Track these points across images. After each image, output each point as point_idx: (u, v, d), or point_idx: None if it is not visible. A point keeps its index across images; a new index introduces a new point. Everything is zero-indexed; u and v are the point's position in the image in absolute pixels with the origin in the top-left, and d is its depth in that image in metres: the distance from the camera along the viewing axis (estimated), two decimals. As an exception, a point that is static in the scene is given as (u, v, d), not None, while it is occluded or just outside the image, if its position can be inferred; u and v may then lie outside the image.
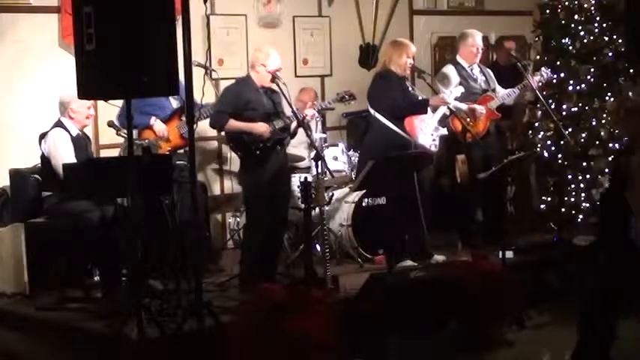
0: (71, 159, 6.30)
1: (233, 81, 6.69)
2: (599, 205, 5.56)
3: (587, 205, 7.83)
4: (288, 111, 6.51)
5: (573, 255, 7.00)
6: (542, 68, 7.67)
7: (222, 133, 6.92)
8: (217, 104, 6.49)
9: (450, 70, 7.61)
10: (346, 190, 7.32)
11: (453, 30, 8.06)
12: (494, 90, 7.66)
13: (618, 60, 7.79)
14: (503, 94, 7.60)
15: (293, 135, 6.69)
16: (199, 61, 6.54)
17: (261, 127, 6.36)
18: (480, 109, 7.39)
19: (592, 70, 7.78)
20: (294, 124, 6.49)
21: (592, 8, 7.83)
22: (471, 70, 7.63)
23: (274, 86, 6.54)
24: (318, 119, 7.81)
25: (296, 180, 6.89)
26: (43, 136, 6.47)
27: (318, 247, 6.72)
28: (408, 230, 6.94)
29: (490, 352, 5.67)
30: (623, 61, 7.80)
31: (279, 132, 6.46)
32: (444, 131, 7.20)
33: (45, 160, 6.44)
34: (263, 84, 6.50)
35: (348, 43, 8.91)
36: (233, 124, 6.39)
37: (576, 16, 7.86)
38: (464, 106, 7.29)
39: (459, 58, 7.67)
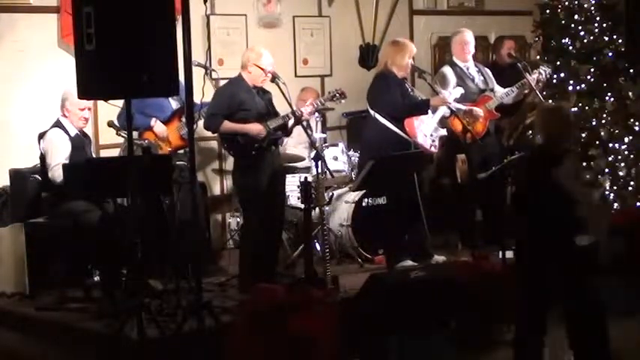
0: (65, 160, 6.30)
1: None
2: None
3: (587, 205, 7.82)
4: (281, 110, 6.51)
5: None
6: (541, 66, 7.67)
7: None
8: (211, 106, 6.47)
9: (447, 70, 7.65)
10: (346, 190, 7.32)
11: (453, 30, 8.06)
12: (492, 90, 7.67)
13: (618, 60, 7.79)
14: (502, 94, 7.62)
15: (289, 134, 6.69)
16: (199, 61, 6.54)
17: (256, 128, 6.36)
18: (477, 110, 7.39)
19: (592, 70, 7.77)
20: (291, 122, 6.49)
21: (592, 8, 7.82)
22: (468, 69, 7.65)
23: (266, 86, 6.54)
24: (318, 119, 7.81)
25: (296, 180, 6.88)
26: (42, 135, 6.48)
27: (318, 246, 6.72)
28: (408, 230, 6.95)
29: (490, 352, 5.67)
30: (623, 61, 7.79)
31: (274, 132, 6.47)
32: (443, 132, 7.21)
33: (44, 159, 6.45)
34: (255, 84, 6.49)
35: (348, 43, 8.90)
36: (228, 125, 6.38)
37: (576, 16, 7.85)
38: (462, 107, 7.30)
39: (454, 59, 7.73)
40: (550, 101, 7.49)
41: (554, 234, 4.77)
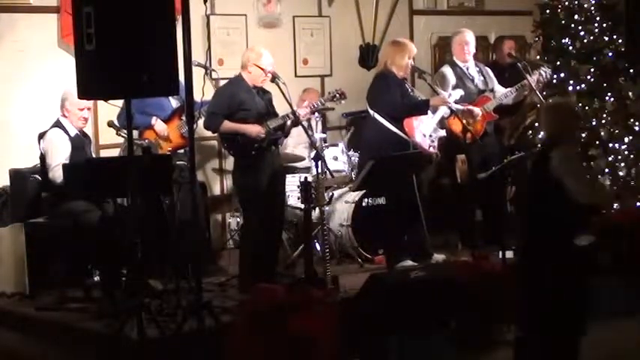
0: (65, 160, 6.30)
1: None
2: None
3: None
4: (280, 110, 6.51)
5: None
6: (541, 66, 7.67)
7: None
8: (211, 106, 6.48)
9: (446, 70, 7.65)
10: (346, 190, 7.32)
11: (453, 30, 8.07)
12: (492, 90, 7.66)
13: (618, 60, 7.79)
14: (501, 95, 7.61)
15: (287, 134, 6.69)
16: (199, 61, 6.54)
17: (255, 128, 6.35)
18: (476, 110, 7.38)
19: (592, 70, 7.77)
20: (289, 122, 6.49)
21: (592, 8, 7.82)
22: (468, 69, 7.65)
23: (266, 86, 6.54)
24: (318, 119, 7.81)
25: (296, 180, 6.88)
26: (42, 135, 6.48)
27: (318, 247, 6.72)
28: (408, 230, 6.94)
29: (490, 352, 5.67)
30: (623, 61, 7.79)
31: (274, 132, 6.47)
32: (442, 132, 7.21)
33: (44, 159, 6.45)
34: (255, 84, 6.49)
35: (348, 43, 8.90)
36: (227, 125, 6.38)
37: (576, 16, 7.85)
38: (462, 108, 7.29)
39: (454, 59, 7.73)
40: (554, 98, 7.48)
41: (554, 233, 4.77)
